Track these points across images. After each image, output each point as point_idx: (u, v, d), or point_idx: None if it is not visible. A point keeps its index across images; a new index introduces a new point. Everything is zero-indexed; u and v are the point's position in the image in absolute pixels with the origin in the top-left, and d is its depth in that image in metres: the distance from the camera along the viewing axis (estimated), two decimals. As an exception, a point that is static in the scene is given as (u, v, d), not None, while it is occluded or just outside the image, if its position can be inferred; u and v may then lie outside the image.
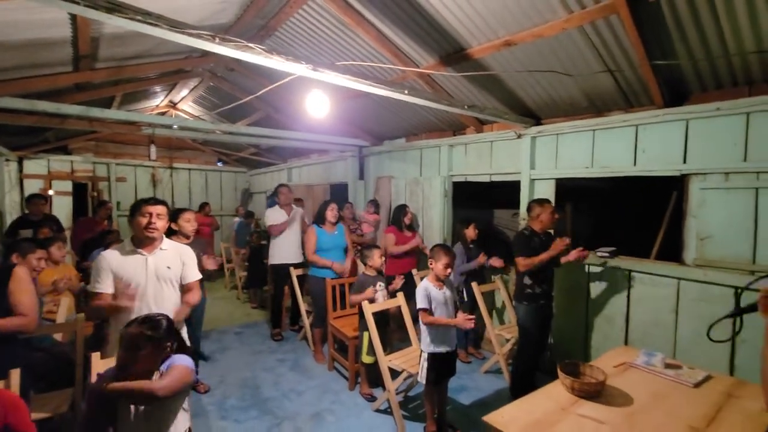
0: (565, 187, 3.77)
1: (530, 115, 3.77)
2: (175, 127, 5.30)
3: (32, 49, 2.96)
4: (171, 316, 1.78)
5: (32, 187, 6.68)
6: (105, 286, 2.07)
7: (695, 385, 1.82)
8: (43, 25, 2.67)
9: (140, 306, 2.09)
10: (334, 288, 3.71)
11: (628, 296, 3.18)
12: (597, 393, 1.70)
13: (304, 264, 4.36)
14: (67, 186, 7.26)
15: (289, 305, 4.76)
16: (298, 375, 3.61)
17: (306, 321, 4.26)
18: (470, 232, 4.00)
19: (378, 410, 3.02)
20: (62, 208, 6.92)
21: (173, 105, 6.91)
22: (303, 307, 4.30)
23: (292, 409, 3.03)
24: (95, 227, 5.21)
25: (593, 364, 1.90)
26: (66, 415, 2.23)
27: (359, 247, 4.57)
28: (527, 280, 3.00)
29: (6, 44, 2.76)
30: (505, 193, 5.26)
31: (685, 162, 2.87)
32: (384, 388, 2.96)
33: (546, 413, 1.57)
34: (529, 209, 3.15)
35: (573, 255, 3.12)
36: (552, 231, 3.41)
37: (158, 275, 2.18)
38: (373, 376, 3.26)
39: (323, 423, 2.86)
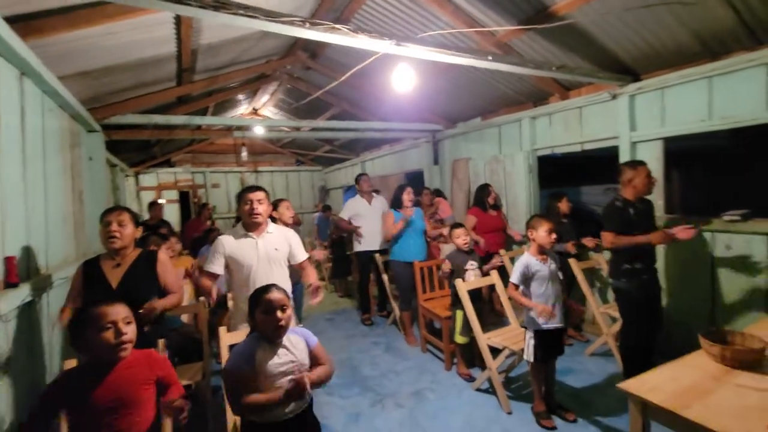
0: (676, 151, 3.33)
1: (626, 71, 3.39)
2: (258, 130, 5.69)
3: (144, 67, 3.36)
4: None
5: (147, 197, 7.65)
6: (215, 267, 2.30)
7: None
8: (152, 43, 3.01)
9: (253, 285, 2.26)
10: (421, 270, 3.71)
11: (769, 264, 2.72)
12: (755, 362, 1.47)
13: (383, 252, 4.45)
14: (173, 195, 8.21)
15: (376, 292, 4.87)
16: (393, 356, 3.68)
17: (395, 306, 4.31)
18: (563, 206, 3.75)
19: (479, 389, 2.95)
20: (171, 214, 7.83)
21: (255, 111, 7.43)
22: (391, 293, 4.36)
23: (392, 388, 3.09)
24: (200, 227, 5.82)
25: (745, 332, 1.65)
26: (200, 382, 2.51)
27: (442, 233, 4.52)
28: (623, 256, 2.64)
29: (125, 66, 3.16)
30: (599, 167, 4.84)
31: (842, 98, 2.37)
32: (482, 369, 2.89)
33: (694, 382, 1.39)
34: (618, 174, 2.74)
35: (679, 232, 2.48)
36: (661, 201, 3.02)
37: (268, 256, 2.35)
38: (468, 357, 3.20)
39: (425, 400, 2.87)
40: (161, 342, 1.97)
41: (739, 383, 1.36)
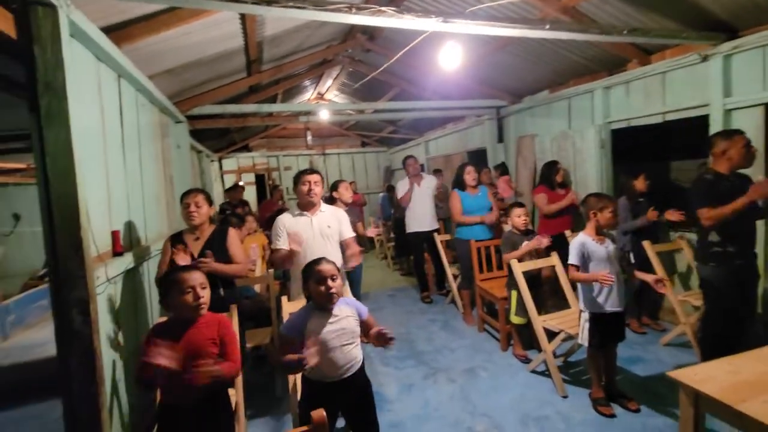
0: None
1: (720, 28, 2.94)
2: (323, 114, 5.93)
3: (217, 62, 3.69)
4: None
5: (228, 180, 8.44)
6: (282, 243, 2.53)
7: None
8: (222, 39, 3.29)
9: (309, 259, 2.46)
10: (479, 250, 3.68)
11: None
12: None
13: (438, 230, 4.54)
14: (251, 177, 8.95)
15: (434, 270, 4.92)
16: (449, 334, 3.74)
17: (453, 284, 4.34)
18: (639, 184, 3.43)
19: (534, 372, 2.91)
20: (248, 195, 8.56)
21: (321, 96, 7.73)
22: (449, 271, 4.39)
23: (446, 363, 3.17)
24: (273, 207, 6.33)
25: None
26: (268, 345, 2.83)
27: (502, 211, 4.40)
28: (714, 237, 2.34)
29: (201, 62, 3.50)
30: (687, 140, 4.30)
31: None
32: (539, 351, 2.83)
33: (757, 375, 1.26)
34: (711, 146, 2.43)
35: None
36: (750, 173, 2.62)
37: (322, 233, 2.55)
38: (525, 339, 3.15)
39: (477, 378, 2.91)
40: (233, 306, 2.25)
41: (818, 381, 1.21)
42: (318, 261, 1.82)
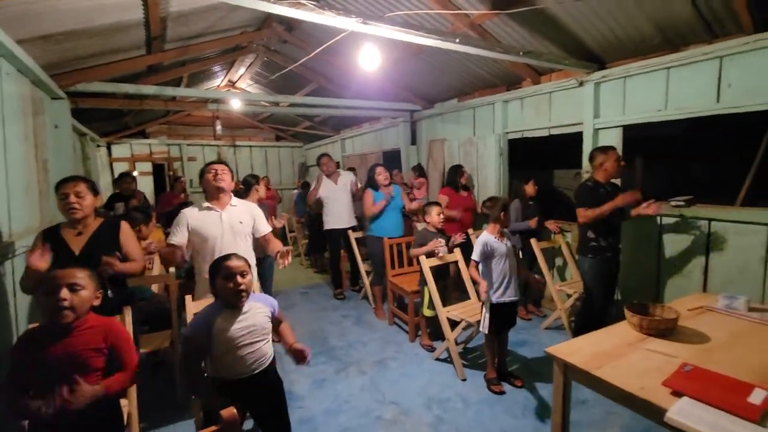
0: (634, 138, 3.50)
1: (593, 59, 3.50)
2: (234, 103, 5.60)
3: (111, 33, 3.26)
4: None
5: (119, 169, 7.48)
6: (178, 239, 2.34)
7: (784, 326, 1.69)
8: (117, 9, 2.92)
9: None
10: (391, 247, 3.83)
11: (707, 247, 2.94)
12: (668, 331, 1.64)
13: (358, 228, 4.59)
14: (148, 167, 8.05)
15: (349, 267, 4.98)
16: (361, 328, 3.83)
17: (366, 281, 4.45)
18: (529, 189, 3.89)
19: (438, 359, 3.13)
20: (145, 187, 7.70)
21: (232, 84, 7.28)
22: (362, 268, 4.49)
23: (358, 357, 3.24)
24: (174, 200, 5.78)
25: (665, 305, 1.82)
26: (167, 350, 2.60)
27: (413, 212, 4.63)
28: (590, 233, 2.86)
29: (89, 31, 3.07)
30: (567, 152, 5.00)
31: (781, 93, 2.53)
32: (443, 340, 3.06)
33: (612, 347, 1.56)
34: (591, 158, 2.96)
35: (645, 208, 2.84)
36: (619, 182, 3.22)
37: (233, 229, 2.41)
38: (433, 329, 3.37)
39: (387, 369, 3.04)
40: (126, 309, 2.03)
41: (649, 348, 1.53)
42: (227, 257, 1.74)
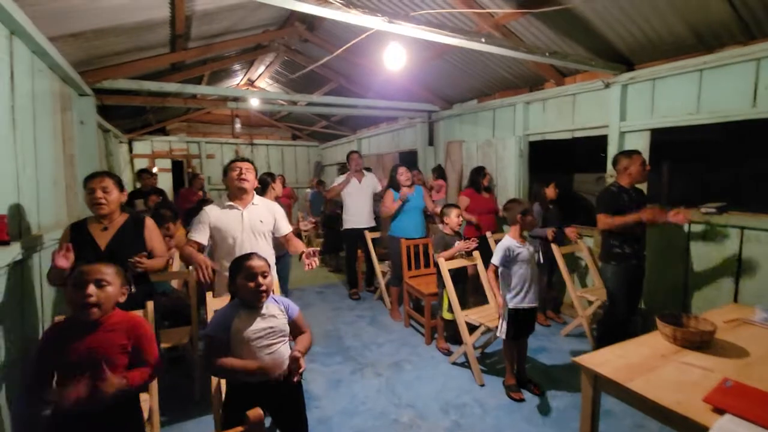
0: (663, 143, 3.39)
1: (621, 60, 3.40)
2: (253, 101, 5.65)
3: (137, 32, 3.31)
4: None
5: (140, 165, 7.63)
6: (199, 237, 2.33)
7: (829, 342, 1.60)
8: (145, 7, 2.97)
9: (238, 254, 2.33)
10: (408, 248, 3.80)
11: (740, 256, 2.82)
12: (704, 343, 1.57)
13: (376, 228, 4.54)
14: (167, 163, 8.19)
15: (365, 268, 4.97)
16: (376, 329, 3.81)
17: (381, 281, 4.42)
18: (550, 192, 3.81)
19: (455, 363, 3.09)
20: (164, 183, 7.83)
21: (251, 82, 7.35)
22: (378, 269, 4.47)
23: (373, 358, 3.22)
24: (192, 197, 5.85)
25: (699, 316, 1.75)
26: (186, 345, 2.62)
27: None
28: (614, 240, 2.76)
29: (116, 29, 3.11)
30: (588, 156, 4.89)
31: (823, 97, 2.42)
32: (460, 344, 3.02)
33: (643, 358, 1.50)
34: (615, 163, 2.87)
35: (673, 216, 2.59)
36: (645, 187, 3.12)
37: (253, 228, 2.40)
38: (450, 333, 3.33)
39: (402, 371, 3.01)
40: (149, 304, 2.04)
41: (684, 361, 1.47)
42: (248, 256, 1.74)
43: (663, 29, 2.93)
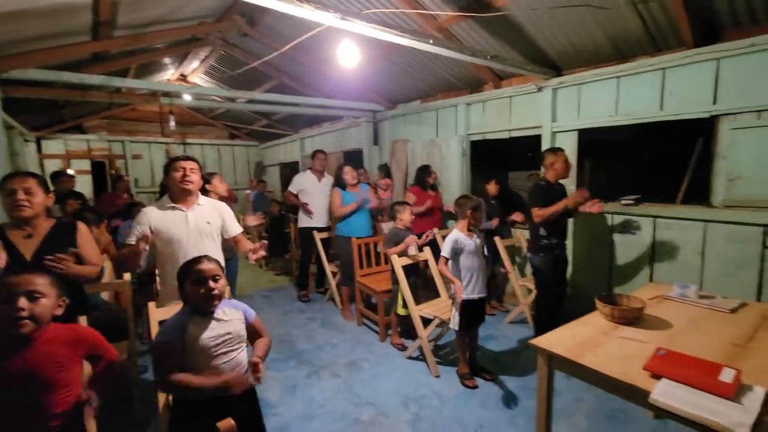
0: (587, 142, 3.74)
1: (551, 66, 3.70)
2: (188, 97, 5.29)
3: (56, 15, 2.94)
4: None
5: (52, 167, 6.78)
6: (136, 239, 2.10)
7: (731, 311, 1.88)
8: (64, -11, 2.66)
9: (183, 260, 2.17)
10: (359, 247, 3.80)
11: (653, 242, 3.21)
12: (636, 319, 1.77)
13: (324, 229, 4.47)
14: (86, 165, 7.38)
15: (314, 269, 4.88)
16: (329, 330, 3.76)
17: (332, 282, 4.37)
18: (491, 188, 4.03)
19: (410, 357, 3.15)
20: (83, 186, 7.03)
21: (183, 78, 6.86)
22: (329, 269, 4.41)
23: (328, 359, 3.18)
24: (117, 201, 5.35)
25: (630, 295, 1.96)
26: (125, 362, 2.38)
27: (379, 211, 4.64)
28: (543, 232, 2.98)
29: (32, 11, 2.75)
30: (522, 154, 5.24)
31: (715, 103, 2.83)
32: (414, 339, 3.08)
33: (588, 336, 1.65)
34: (543, 159, 3.09)
35: (590, 207, 2.96)
36: (575, 183, 3.42)
37: (199, 230, 2.24)
38: (404, 328, 3.38)
39: (359, 369, 3.01)
40: (81, 319, 1.83)
41: (622, 336, 1.64)
42: (197, 260, 1.64)
43: (587, 39, 3.24)
